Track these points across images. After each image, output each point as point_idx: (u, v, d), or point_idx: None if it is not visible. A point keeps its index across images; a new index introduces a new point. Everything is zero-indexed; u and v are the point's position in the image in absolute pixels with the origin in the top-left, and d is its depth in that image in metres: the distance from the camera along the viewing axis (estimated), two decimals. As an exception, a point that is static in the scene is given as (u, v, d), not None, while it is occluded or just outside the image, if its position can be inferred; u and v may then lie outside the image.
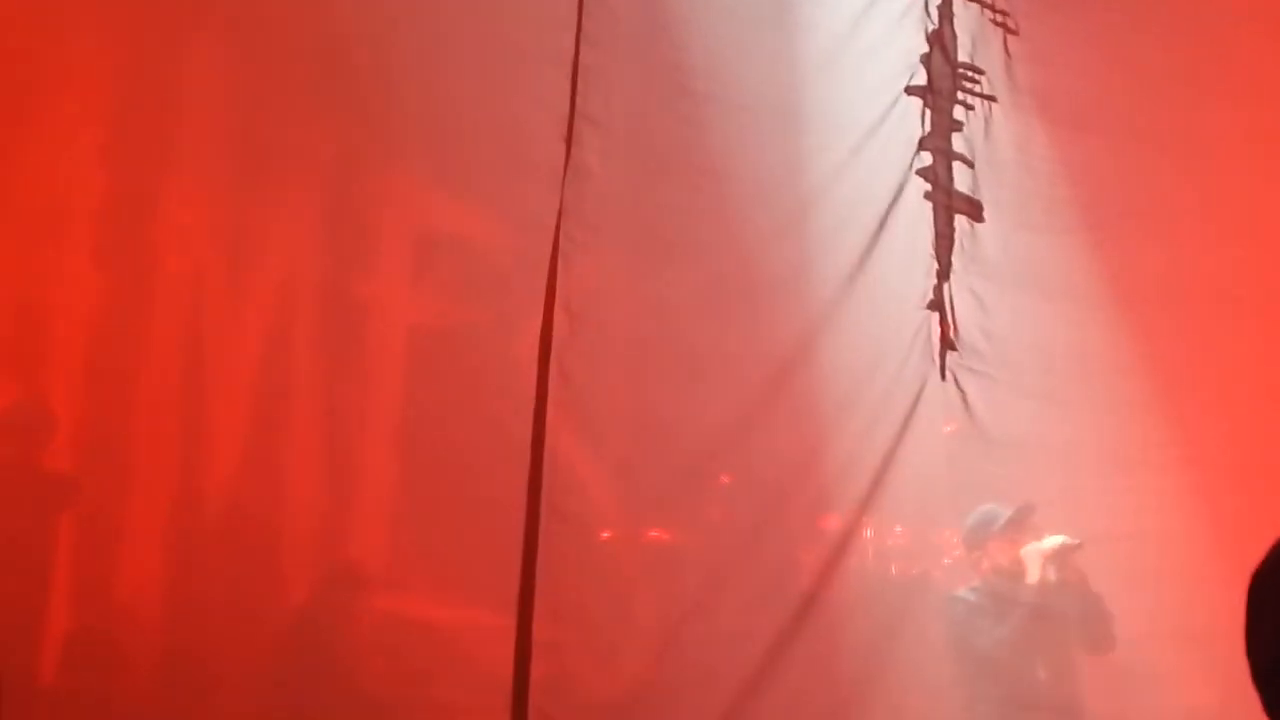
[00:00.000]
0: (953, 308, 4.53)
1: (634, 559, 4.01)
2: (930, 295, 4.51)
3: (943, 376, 4.46)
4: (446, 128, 3.77)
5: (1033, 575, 4.42)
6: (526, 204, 3.79)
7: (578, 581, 3.75)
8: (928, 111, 4.59)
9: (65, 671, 3.23)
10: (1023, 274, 4.74)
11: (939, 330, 4.49)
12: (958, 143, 4.66)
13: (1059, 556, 4.41)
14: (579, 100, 3.85)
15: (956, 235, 4.60)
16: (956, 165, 4.65)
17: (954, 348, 4.51)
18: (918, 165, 4.53)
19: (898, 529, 4.44)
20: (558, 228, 3.77)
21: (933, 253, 4.53)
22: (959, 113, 4.69)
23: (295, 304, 3.60)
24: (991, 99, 4.77)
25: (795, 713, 3.98)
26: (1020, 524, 4.46)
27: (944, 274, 4.54)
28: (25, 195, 3.25)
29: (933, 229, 4.54)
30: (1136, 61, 4.91)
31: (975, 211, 4.65)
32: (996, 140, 4.77)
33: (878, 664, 4.16)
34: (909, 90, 4.55)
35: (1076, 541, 4.40)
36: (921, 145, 4.56)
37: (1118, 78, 4.92)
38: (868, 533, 4.29)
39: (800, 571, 4.15)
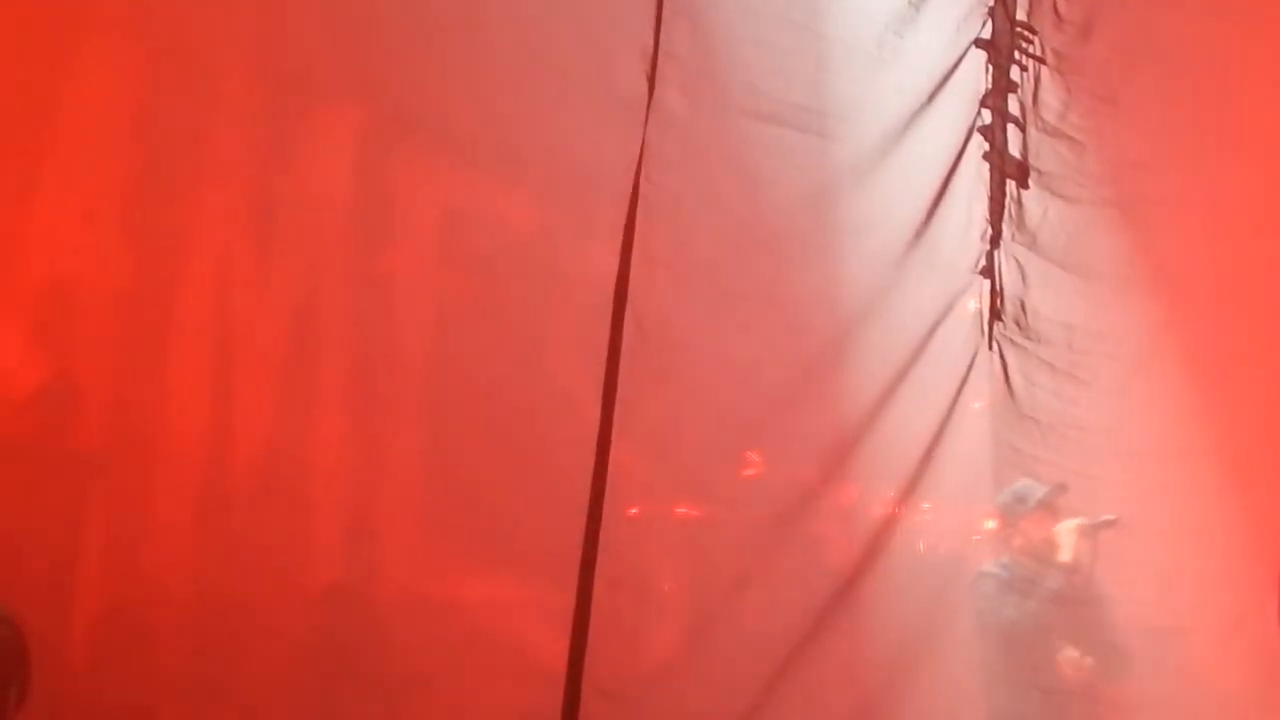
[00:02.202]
0: (1000, 275, 4.37)
1: (683, 532, 3.80)
2: (982, 260, 4.33)
3: (990, 346, 4.30)
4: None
5: (1066, 552, 4.30)
6: (602, 145, 3.50)
7: (635, 553, 3.54)
8: (990, 68, 4.37)
9: (95, 647, 3.18)
10: (1054, 246, 4.58)
11: (989, 299, 4.32)
12: (1011, 104, 4.46)
13: (1094, 533, 4.30)
14: (662, 37, 3.55)
15: (1006, 200, 4.42)
16: (1009, 127, 4.45)
17: (1000, 318, 4.34)
18: (979, 124, 4.33)
19: (926, 506, 4.27)
20: (638, 169, 3.48)
21: (987, 216, 4.34)
22: (1014, 73, 4.48)
23: (323, 277, 3.52)
24: (1042, 61, 4.57)
25: (834, 688, 3.85)
26: (1053, 503, 4.35)
27: (995, 240, 4.36)
28: (56, 173, 3.23)
29: (988, 191, 4.34)
30: (1173, 38, 4.76)
31: (1023, 177, 4.47)
32: (1043, 105, 4.58)
33: (918, 641, 4.03)
34: (978, 43, 4.33)
35: (1112, 517, 4.30)
36: (983, 102, 4.35)
37: (1155, 52, 4.76)
38: (921, 507, 4.13)
39: (848, 543, 3.99)
